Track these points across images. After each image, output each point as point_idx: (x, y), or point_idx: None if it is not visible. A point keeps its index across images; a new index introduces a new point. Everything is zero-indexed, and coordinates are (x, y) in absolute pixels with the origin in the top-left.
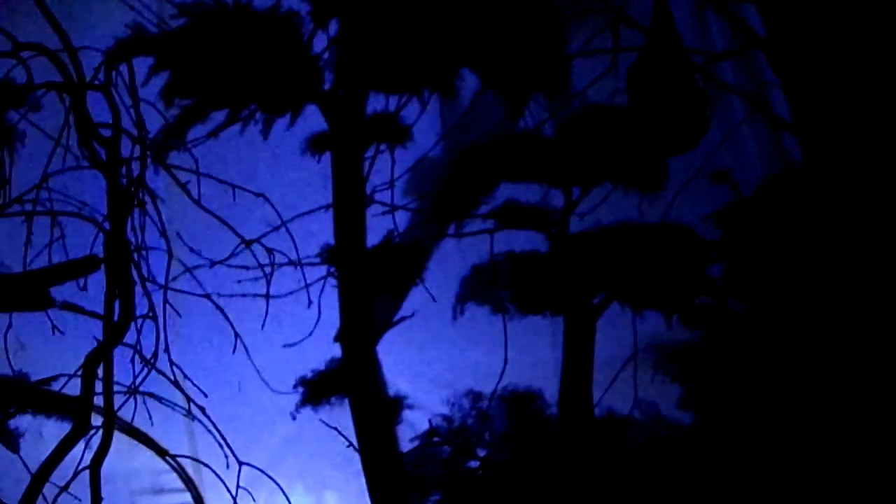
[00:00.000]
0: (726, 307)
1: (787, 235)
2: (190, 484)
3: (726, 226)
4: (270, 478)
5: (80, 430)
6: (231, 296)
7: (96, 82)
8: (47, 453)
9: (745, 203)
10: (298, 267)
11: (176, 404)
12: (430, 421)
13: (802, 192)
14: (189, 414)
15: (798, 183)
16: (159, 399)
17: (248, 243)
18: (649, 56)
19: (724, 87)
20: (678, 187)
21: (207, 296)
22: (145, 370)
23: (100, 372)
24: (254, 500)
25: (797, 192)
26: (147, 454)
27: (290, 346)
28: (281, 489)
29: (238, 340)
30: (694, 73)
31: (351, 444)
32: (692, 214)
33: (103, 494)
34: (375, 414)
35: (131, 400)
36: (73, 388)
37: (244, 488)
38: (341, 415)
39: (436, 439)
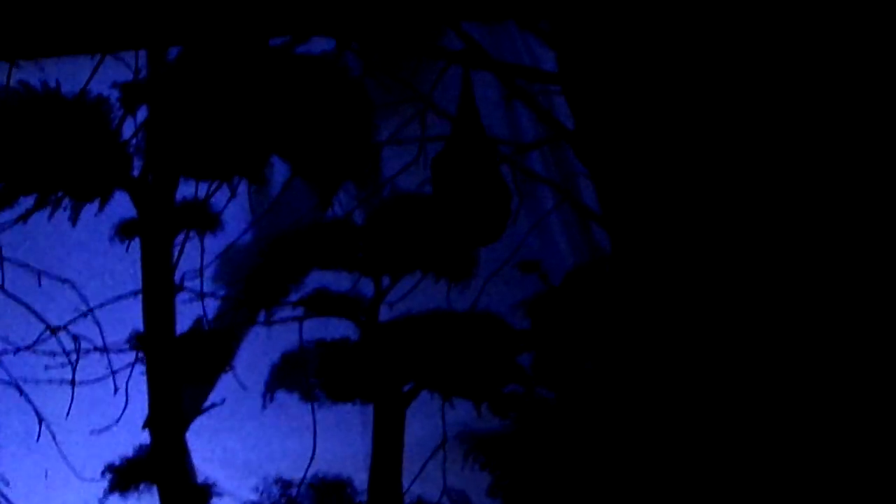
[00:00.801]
0: (536, 396)
1: (596, 325)
2: None
3: (535, 314)
4: None
5: None
6: (37, 382)
7: None
8: None
9: (554, 292)
10: (105, 353)
11: None
12: None
13: (610, 281)
14: None
15: (606, 272)
16: None
17: (53, 330)
18: (454, 146)
19: (532, 176)
20: (487, 276)
21: (13, 382)
22: None
23: None
24: None
25: (605, 281)
26: None
27: (98, 432)
28: None
29: (43, 427)
30: (498, 163)
31: None
32: (501, 303)
33: None
34: (184, 502)
35: None
36: None
37: None
38: (150, 503)
39: None
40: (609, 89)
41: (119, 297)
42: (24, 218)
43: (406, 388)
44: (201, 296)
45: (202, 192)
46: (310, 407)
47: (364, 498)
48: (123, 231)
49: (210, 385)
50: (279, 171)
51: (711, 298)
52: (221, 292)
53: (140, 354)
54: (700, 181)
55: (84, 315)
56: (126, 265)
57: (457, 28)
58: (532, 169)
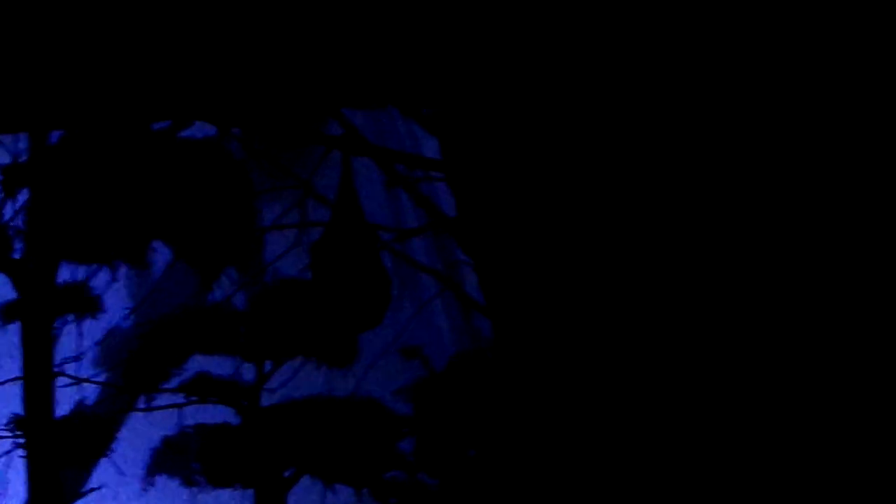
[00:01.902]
0: (417, 482)
1: (479, 411)
2: None
3: (417, 400)
4: None
5: None
6: None
7: None
8: None
9: (436, 378)
10: None
11: None
12: None
13: (493, 368)
14: None
15: (488, 360)
16: None
17: None
18: (333, 232)
19: (414, 264)
20: (370, 362)
21: None
22: None
23: None
24: None
25: (487, 368)
26: None
27: None
28: None
29: None
30: (378, 249)
31: None
32: (383, 389)
33: None
34: None
35: None
36: None
37: None
38: None
39: None
40: (492, 178)
41: None
42: None
43: (287, 473)
44: (80, 381)
45: (83, 276)
46: (190, 492)
47: None
48: (3, 314)
49: (89, 470)
50: (161, 255)
51: (596, 387)
52: (101, 377)
53: (19, 439)
54: (583, 270)
55: None
56: (5, 349)
57: (337, 114)
58: (414, 256)
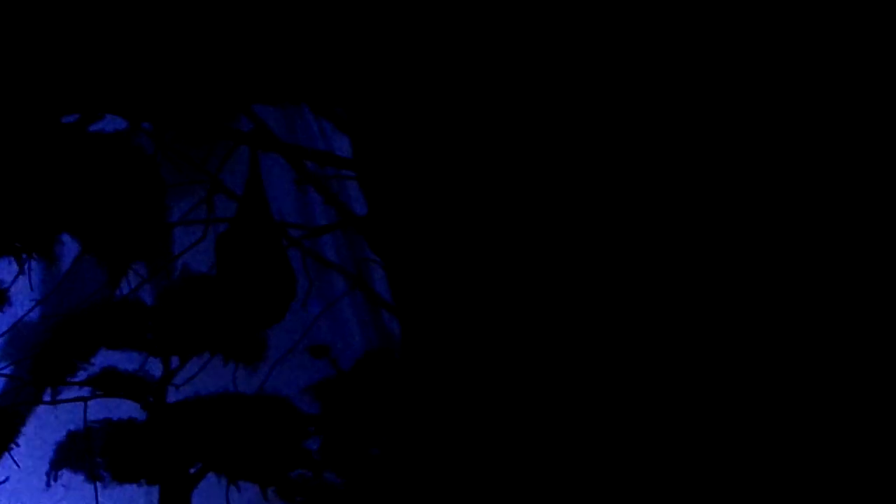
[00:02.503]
0: (323, 480)
1: (384, 411)
2: None
3: (325, 399)
4: None
5: None
6: None
7: None
8: None
9: (344, 377)
10: None
11: None
12: None
13: (400, 368)
14: None
15: (396, 358)
16: None
17: None
18: (238, 226)
19: (323, 262)
20: (277, 359)
21: None
22: None
23: None
24: None
25: (394, 367)
26: None
27: None
28: None
29: None
30: (285, 245)
31: None
32: (290, 386)
33: None
34: None
35: None
36: None
37: None
38: None
39: None
40: (402, 177)
41: None
42: None
43: (192, 469)
44: None
45: None
46: (94, 486)
47: None
48: None
49: None
50: (69, 249)
51: (502, 387)
52: (6, 370)
53: None
54: (490, 269)
55: None
56: None
57: (247, 110)
58: (324, 254)
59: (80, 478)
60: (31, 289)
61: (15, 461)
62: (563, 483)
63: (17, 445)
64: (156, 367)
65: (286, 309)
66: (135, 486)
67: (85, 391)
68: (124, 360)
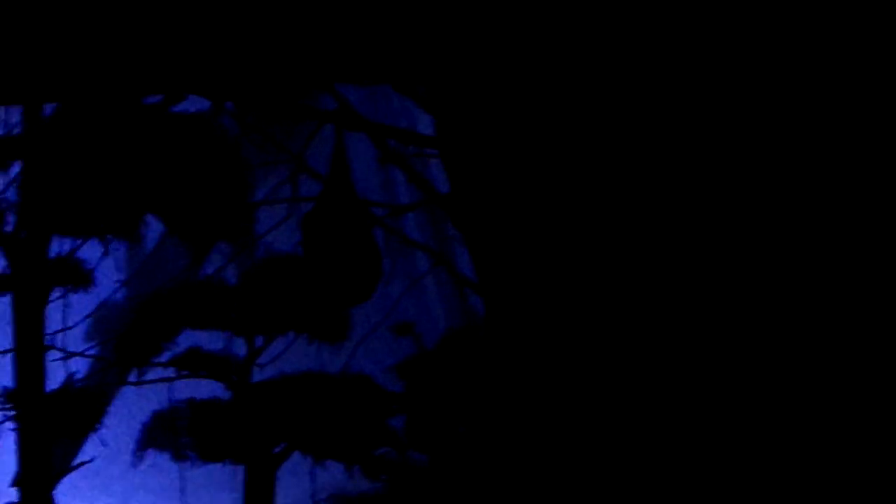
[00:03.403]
0: (408, 459)
1: (470, 388)
2: None
3: (409, 377)
4: None
5: None
6: None
7: None
8: None
9: (428, 355)
10: None
11: None
12: None
13: (484, 346)
14: None
15: (480, 337)
16: None
17: None
18: (324, 206)
19: (407, 241)
20: (361, 338)
21: None
22: None
23: None
24: None
25: (479, 346)
26: None
27: None
28: None
29: None
30: (369, 224)
31: None
32: (375, 365)
33: None
34: None
35: None
36: None
37: None
38: None
39: None
40: (486, 155)
41: None
42: None
43: (277, 448)
44: (71, 354)
45: (76, 250)
46: (180, 466)
47: None
48: None
49: (79, 443)
50: (153, 230)
51: (587, 367)
52: (92, 350)
53: (9, 412)
54: (575, 247)
55: None
56: None
57: (330, 89)
58: (407, 233)
59: (166, 458)
60: (117, 270)
61: (102, 441)
62: (650, 465)
63: (104, 426)
64: (240, 347)
65: (373, 288)
66: (220, 465)
67: (170, 371)
68: (209, 340)
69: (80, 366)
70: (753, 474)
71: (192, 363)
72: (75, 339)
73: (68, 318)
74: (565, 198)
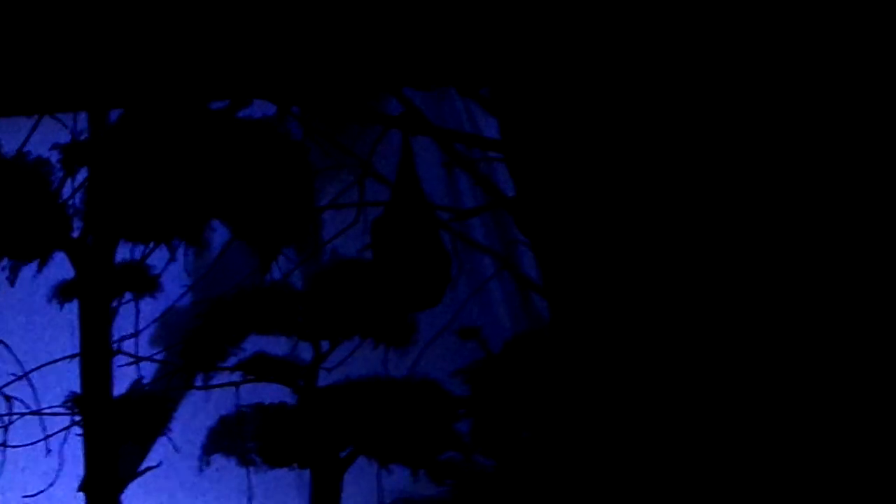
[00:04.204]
0: (474, 463)
1: (535, 393)
2: None
3: (474, 382)
4: None
5: None
6: None
7: None
8: None
9: (494, 360)
10: (40, 416)
11: None
12: None
13: (550, 350)
14: None
15: (546, 341)
16: None
17: None
18: (393, 211)
19: (472, 244)
20: (426, 342)
21: None
22: None
23: None
24: None
25: (545, 350)
26: None
27: (31, 496)
28: None
29: None
30: (437, 228)
31: None
32: (440, 370)
33: None
34: None
35: None
36: None
37: None
38: None
39: None
40: (551, 159)
41: (56, 360)
42: None
43: (343, 453)
44: (138, 359)
45: (142, 255)
46: (246, 471)
47: None
48: (62, 292)
49: (146, 448)
50: (219, 235)
51: (652, 373)
52: (159, 355)
53: (76, 417)
54: (640, 251)
55: (18, 379)
56: (63, 327)
57: (397, 93)
58: (472, 236)
59: (233, 462)
60: (183, 275)
61: (172, 446)
62: (709, 469)
63: (170, 430)
64: (306, 352)
65: (443, 292)
66: (286, 470)
67: (236, 376)
68: (275, 345)
69: (147, 371)
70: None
71: (259, 368)
72: (142, 345)
73: (135, 323)
74: (630, 200)
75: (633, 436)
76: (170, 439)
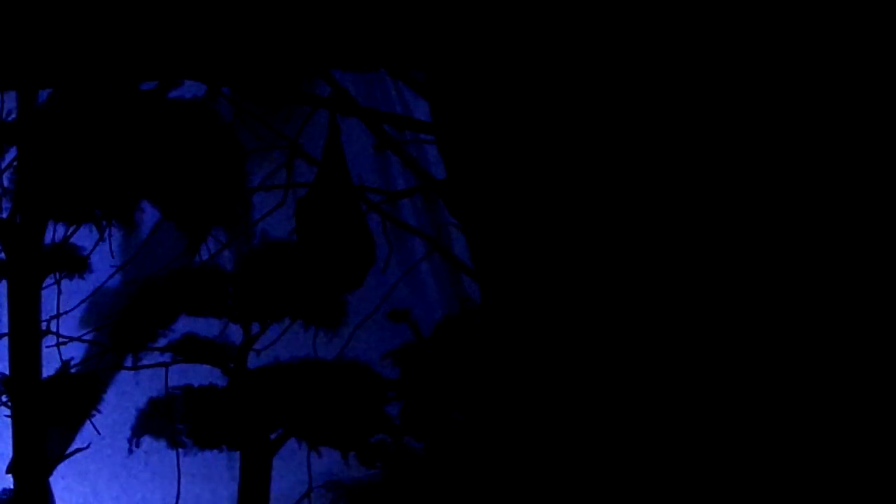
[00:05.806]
0: (404, 445)
1: (465, 375)
2: None
3: (405, 364)
4: None
5: None
6: None
7: None
8: None
9: (424, 342)
10: None
11: None
12: None
13: (480, 332)
14: None
15: (476, 323)
16: None
17: None
18: (317, 191)
19: (402, 226)
20: (357, 324)
21: None
22: None
23: None
24: None
25: (475, 332)
26: None
27: None
28: None
29: None
30: (362, 209)
31: None
32: (371, 352)
33: None
34: None
35: None
36: None
37: None
38: None
39: None
40: (482, 141)
41: None
42: None
43: (273, 435)
44: (66, 339)
45: (72, 236)
46: (176, 453)
47: None
48: None
49: (75, 429)
50: (149, 215)
51: (581, 355)
52: (88, 336)
53: (4, 398)
54: (571, 234)
55: None
56: None
57: (325, 75)
58: (402, 218)
59: (162, 444)
60: (112, 256)
61: (96, 428)
62: (644, 456)
63: (100, 412)
64: (236, 334)
65: (365, 274)
66: (216, 452)
67: (166, 357)
68: (205, 327)
69: (75, 352)
70: (752, 474)
71: (189, 349)
72: (71, 326)
73: (63, 304)
74: (561, 185)
75: (561, 417)
76: (97, 421)
